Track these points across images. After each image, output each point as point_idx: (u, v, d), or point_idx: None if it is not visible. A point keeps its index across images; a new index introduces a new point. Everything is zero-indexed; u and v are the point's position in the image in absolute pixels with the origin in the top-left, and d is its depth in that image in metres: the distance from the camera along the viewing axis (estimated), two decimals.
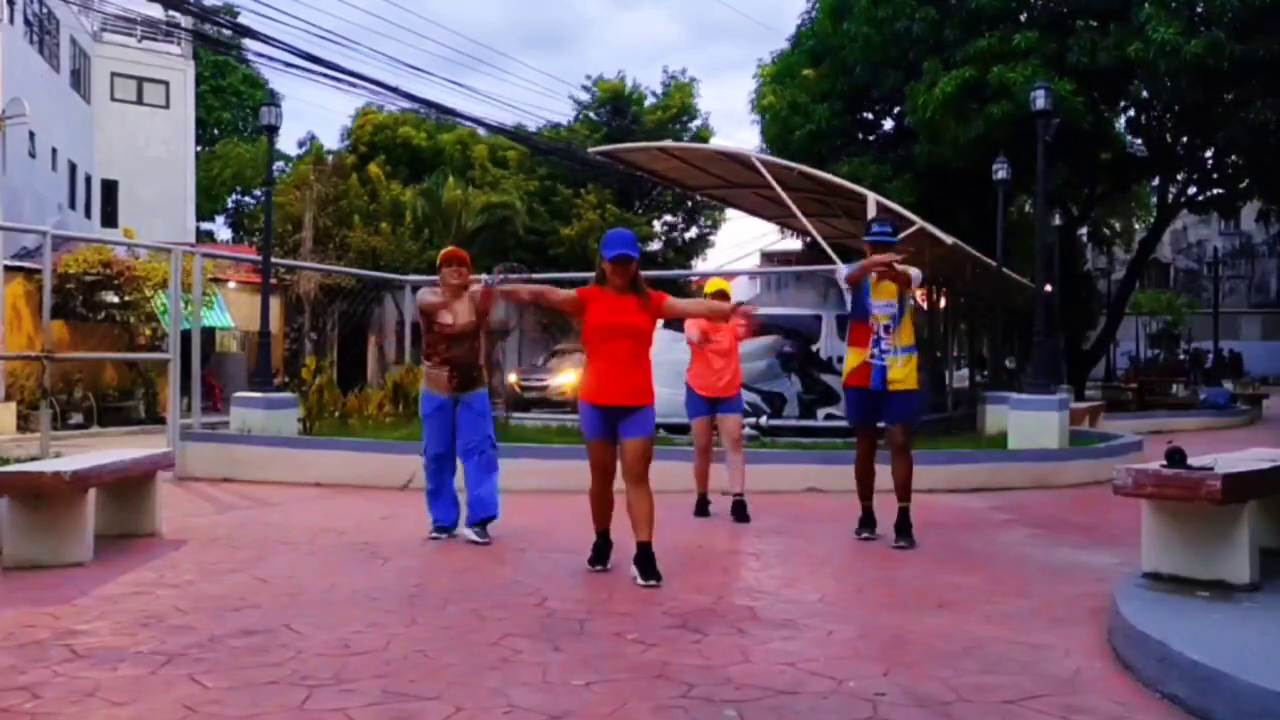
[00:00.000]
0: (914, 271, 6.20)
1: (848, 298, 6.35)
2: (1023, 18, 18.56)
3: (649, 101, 32.32)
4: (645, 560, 5.09)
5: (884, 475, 6.29)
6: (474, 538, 6.18)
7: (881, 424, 6.28)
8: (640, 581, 5.02)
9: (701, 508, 7.39)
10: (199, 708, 3.21)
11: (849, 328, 6.38)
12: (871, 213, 12.18)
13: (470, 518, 6.28)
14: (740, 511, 7.18)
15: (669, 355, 8.64)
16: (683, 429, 10.16)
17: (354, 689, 3.39)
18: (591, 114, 32.54)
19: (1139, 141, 21.98)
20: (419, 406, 6.57)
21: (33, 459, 7.30)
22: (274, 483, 9.02)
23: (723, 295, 7.45)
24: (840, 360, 12.45)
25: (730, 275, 24.53)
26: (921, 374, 6.39)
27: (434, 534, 6.38)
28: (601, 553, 5.42)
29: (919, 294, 6.34)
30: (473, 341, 6.36)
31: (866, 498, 6.39)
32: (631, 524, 5.14)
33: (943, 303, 15.84)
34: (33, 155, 22.59)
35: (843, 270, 6.52)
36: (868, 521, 6.37)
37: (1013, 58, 17.23)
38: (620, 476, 5.21)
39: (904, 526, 6.11)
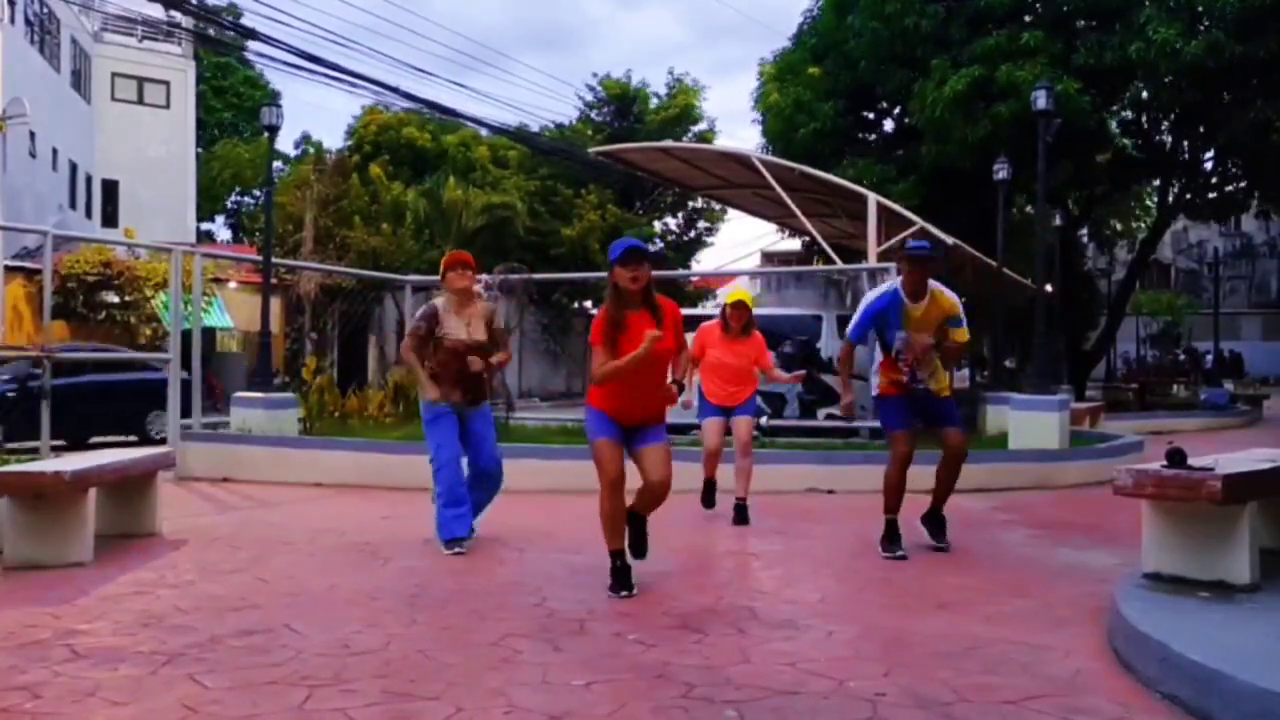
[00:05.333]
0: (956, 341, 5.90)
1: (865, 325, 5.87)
2: (1028, 17, 18.55)
3: (653, 103, 32.30)
4: (640, 533, 5.05)
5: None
6: (456, 550, 5.91)
7: (922, 425, 5.96)
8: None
9: (708, 492, 7.27)
10: (199, 708, 3.21)
11: (880, 357, 5.94)
12: (872, 213, 12.22)
13: (463, 525, 6.09)
14: (741, 514, 7.13)
15: None
16: (684, 429, 10.18)
17: (354, 689, 3.39)
18: (594, 114, 32.52)
19: (1139, 142, 21.98)
20: (420, 410, 6.28)
21: (33, 459, 7.30)
22: (274, 483, 9.02)
23: (743, 307, 7.19)
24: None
25: (730, 275, 24.44)
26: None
27: (455, 550, 5.90)
28: (622, 576, 4.89)
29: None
30: (482, 355, 6.17)
31: (893, 510, 5.84)
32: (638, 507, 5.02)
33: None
34: (33, 155, 22.61)
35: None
36: (895, 536, 5.84)
37: (1020, 56, 17.21)
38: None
39: (942, 526, 6.03)
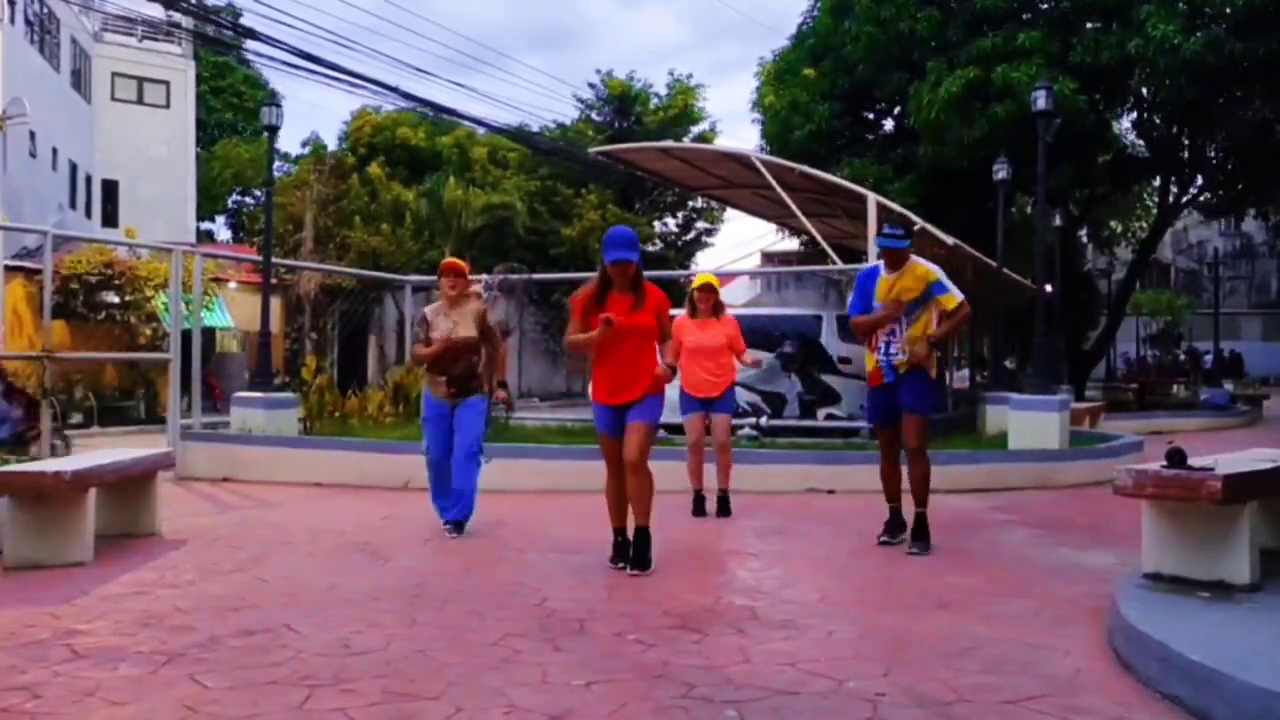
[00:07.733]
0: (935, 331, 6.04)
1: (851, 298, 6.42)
2: (1025, 17, 18.55)
3: (653, 103, 32.28)
4: (638, 545, 5.30)
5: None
6: (449, 534, 6.44)
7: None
8: (628, 570, 5.23)
9: (697, 505, 7.41)
10: (199, 708, 3.21)
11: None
12: (872, 213, 12.18)
13: (447, 515, 6.55)
14: (723, 506, 7.32)
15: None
16: (679, 429, 10.18)
17: (354, 689, 3.39)
18: (594, 114, 32.49)
19: (1140, 142, 21.98)
20: (420, 406, 6.79)
21: (33, 459, 7.30)
22: (274, 483, 9.02)
23: (709, 289, 7.42)
24: (841, 360, 12.51)
25: (730, 275, 24.33)
26: (937, 368, 6.18)
27: (447, 528, 6.52)
28: (621, 550, 5.44)
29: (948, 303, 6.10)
30: (472, 353, 6.56)
31: (893, 498, 6.21)
32: (630, 509, 5.36)
33: None
34: (33, 155, 22.60)
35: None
36: (894, 524, 6.16)
37: (1016, 57, 17.21)
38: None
39: (920, 531, 5.98)
